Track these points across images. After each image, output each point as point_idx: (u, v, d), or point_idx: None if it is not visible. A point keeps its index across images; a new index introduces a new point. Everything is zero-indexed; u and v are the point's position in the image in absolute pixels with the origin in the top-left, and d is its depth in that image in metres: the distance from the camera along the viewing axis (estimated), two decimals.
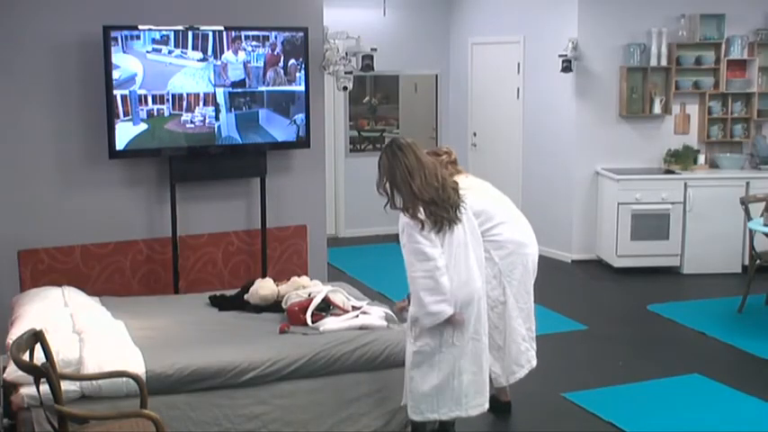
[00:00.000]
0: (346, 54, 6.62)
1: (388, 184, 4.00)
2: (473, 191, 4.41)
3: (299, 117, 6.10)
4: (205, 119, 5.78)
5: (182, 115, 5.70)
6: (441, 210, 3.94)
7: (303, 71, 6.07)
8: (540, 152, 8.77)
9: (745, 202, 7.10)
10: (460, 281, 3.98)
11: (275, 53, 5.91)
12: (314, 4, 6.32)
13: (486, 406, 4.21)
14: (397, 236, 4.04)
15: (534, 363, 4.83)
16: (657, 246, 8.04)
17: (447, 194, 3.98)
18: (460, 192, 4.09)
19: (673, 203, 8.01)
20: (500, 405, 4.92)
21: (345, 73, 6.48)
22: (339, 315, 4.75)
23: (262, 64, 5.91)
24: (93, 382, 3.88)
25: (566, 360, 5.88)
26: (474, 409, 4.16)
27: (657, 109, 8.31)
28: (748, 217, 7.08)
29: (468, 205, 4.11)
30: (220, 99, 5.80)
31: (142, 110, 5.56)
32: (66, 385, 3.76)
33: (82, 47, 5.55)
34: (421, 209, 3.91)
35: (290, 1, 6.24)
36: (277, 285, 5.17)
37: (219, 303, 5.15)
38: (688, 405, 5.10)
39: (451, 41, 9.90)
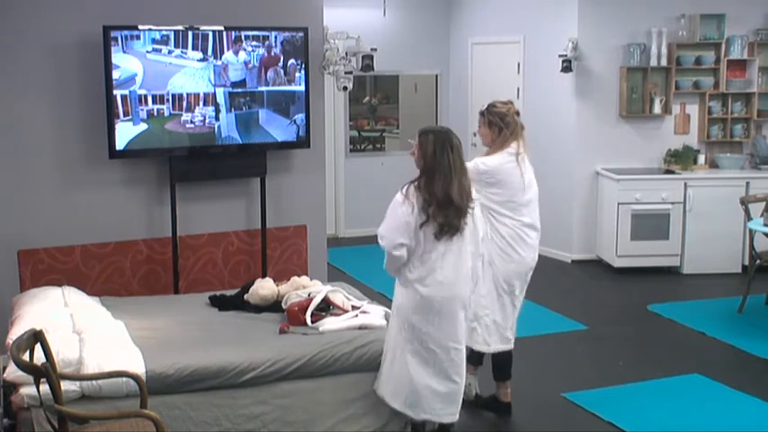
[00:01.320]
0: (346, 54, 6.63)
1: (423, 167, 4.02)
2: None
3: (299, 117, 6.10)
4: (205, 119, 5.78)
5: (182, 115, 5.69)
6: (454, 217, 3.97)
7: (303, 71, 6.07)
8: (540, 152, 8.69)
9: (745, 202, 7.10)
10: (442, 282, 4.00)
11: (272, 54, 5.90)
12: (314, 4, 6.32)
13: (457, 416, 4.21)
14: None
15: (476, 347, 4.79)
16: (657, 246, 8.04)
17: (468, 202, 4.03)
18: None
19: (673, 203, 8.01)
20: (500, 406, 4.92)
21: (345, 73, 6.48)
22: (339, 315, 4.75)
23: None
24: (93, 382, 3.88)
25: (566, 360, 5.89)
26: (449, 416, 4.19)
27: (657, 109, 8.31)
28: (748, 217, 7.08)
29: (475, 215, 4.14)
30: (220, 99, 5.80)
31: (142, 110, 5.56)
32: (66, 385, 3.76)
33: (82, 47, 5.55)
34: (431, 210, 3.93)
35: (290, 1, 6.24)
36: (277, 285, 5.17)
37: (219, 303, 5.15)
38: (688, 405, 5.10)
39: (451, 41, 9.89)
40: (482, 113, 4.80)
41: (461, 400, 4.24)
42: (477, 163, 4.67)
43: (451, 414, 4.18)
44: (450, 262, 4.03)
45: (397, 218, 4.01)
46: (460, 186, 3.99)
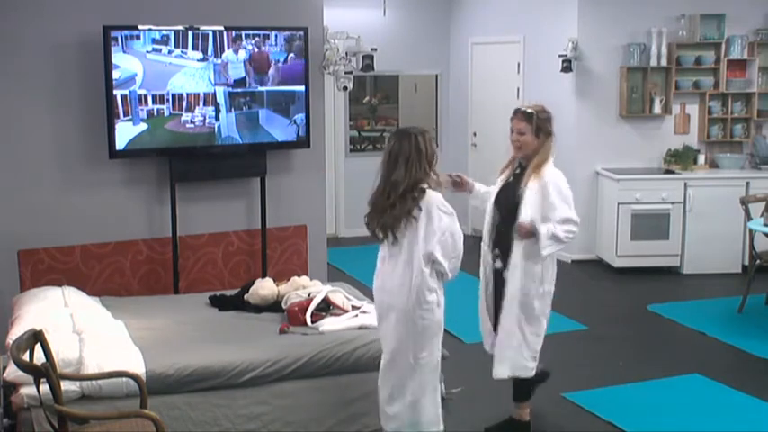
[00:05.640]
0: (346, 54, 6.63)
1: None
2: None
3: (299, 117, 6.10)
4: (205, 119, 5.78)
5: (182, 115, 5.69)
6: (373, 223, 4.05)
7: (303, 71, 6.06)
8: None
9: (745, 202, 7.09)
10: (381, 286, 4.01)
11: (261, 50, 5.88)
12: (314, 4, 6.32)
13: None
14: None
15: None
16: (657, 246, 8.04)
17: (390, 215, 3.96)
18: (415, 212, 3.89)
19: (673, 203, 8.01)
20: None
21: (345, 73, 6.49)
22: (339, 315, 4.75)
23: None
24: (93, 382, 3.88)
25: (566, 360, 5.88)
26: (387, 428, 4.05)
27: (657, 109, 8.31)
28: (748, 217, 7.07)
29: (423, 228, 3.88)
30: (220, 99, 5.80)
31: (142, 110, 5.56)
32: (66, 385, 3.76)
33: (82, 47, 5.55)
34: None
35: (290, 1, 6.25)
36: (277, 285, 5.18)
37: (219, 303, 5.15)
38: (688, 405, 5.10)
39: (451, 41, 9.89)
40: (528, 119, 4.43)
41: (403, 420, 3.96)
42: (564, 191, 4.53)
43: (389, 428, 4.01)
44: (391, 268, 3.97)
45: None
46: (381, 189, 4.07)
